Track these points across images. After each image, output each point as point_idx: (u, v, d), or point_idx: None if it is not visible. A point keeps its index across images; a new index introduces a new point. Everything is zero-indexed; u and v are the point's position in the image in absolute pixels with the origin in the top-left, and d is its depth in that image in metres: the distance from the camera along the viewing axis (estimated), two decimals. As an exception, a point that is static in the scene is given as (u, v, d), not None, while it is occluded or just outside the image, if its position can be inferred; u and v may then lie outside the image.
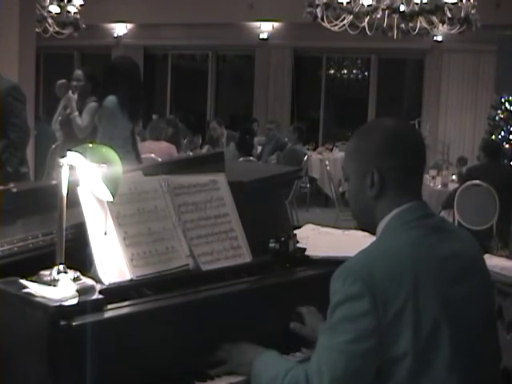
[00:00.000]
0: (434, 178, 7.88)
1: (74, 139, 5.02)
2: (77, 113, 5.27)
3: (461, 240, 1.71)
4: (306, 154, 9.89)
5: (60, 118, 5.62)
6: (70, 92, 5.61)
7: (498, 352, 1.74)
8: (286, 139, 10.27)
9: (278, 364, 1.71)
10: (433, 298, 1.54)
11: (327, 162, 9.72)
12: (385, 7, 7.89)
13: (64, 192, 1.73)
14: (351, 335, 1.51)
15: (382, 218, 1.67)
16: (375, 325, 1.50)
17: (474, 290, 1.64)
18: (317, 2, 8.16)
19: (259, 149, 10.40)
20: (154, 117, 11.20)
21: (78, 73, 5.71)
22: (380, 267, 1.54)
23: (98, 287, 1.78)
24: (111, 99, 4.65)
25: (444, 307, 1.55)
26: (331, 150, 11.28)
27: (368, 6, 8.00)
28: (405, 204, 1.66)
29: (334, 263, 1.62)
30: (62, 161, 1.74)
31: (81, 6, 9.85)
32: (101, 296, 1.74)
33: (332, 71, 13.83)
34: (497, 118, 8.77)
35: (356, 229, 1.98)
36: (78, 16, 9.90)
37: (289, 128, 10.63)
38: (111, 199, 1.79)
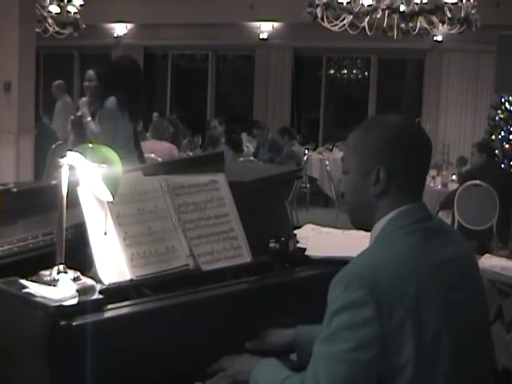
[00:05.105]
0: (434, 178, 7.88)
1: (85, 139, 4.86)
2: (89, 118, 4.85)
3: (458, 242, 1.68)
4: (305, 154, 9.89)
5: (72, 117, 5.38)
6: (85, 96, 5.14)
7: (492, 353, 1.73)
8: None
9: (275, 371, 1.66)
10: (435, 304, 1.50)
11: (327, 162, 9.73)
12: (385, 7, 7.90)
13: (64, 192, 1.73)
14: (352, 344, 1.44)
15: (380, 217, 1.61)
16: (378, 333, 1.44)
17: (472, 292, 1.62)
18: (317, 2, 8.17)
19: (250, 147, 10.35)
20: (155, 114, 11.20)
21: (90, 73, 5.30)
22: (384, 274, 1.48)
23: (98, 287, 1.77)
24: (111, 100, 4.64)
25: (446, 312, 1.52)
26: (331, 149, 11.28)
27: (368, 6, 8.00)
28: (405, 205, 1.60)
29: (333, 263, 1.61)
30: (62, 161, 1.74)
31: (81, 6, 9.87)
32: (101, 296, 1.74)
33: (332, 71, 13.84)
34: (497, 118, 8.77)
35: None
36: (78, 16, 9.92)
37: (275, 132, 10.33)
38: (111, 199, 1.79)
